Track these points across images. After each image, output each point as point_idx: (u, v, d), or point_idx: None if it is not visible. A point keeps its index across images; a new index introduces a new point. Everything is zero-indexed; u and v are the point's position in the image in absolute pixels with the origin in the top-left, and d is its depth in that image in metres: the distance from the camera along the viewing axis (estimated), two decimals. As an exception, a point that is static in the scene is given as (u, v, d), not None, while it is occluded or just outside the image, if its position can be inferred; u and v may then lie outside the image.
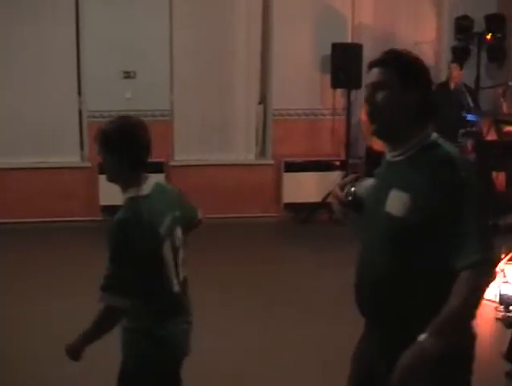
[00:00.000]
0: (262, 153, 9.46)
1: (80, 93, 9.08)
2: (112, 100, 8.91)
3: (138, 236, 2.95)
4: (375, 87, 2.54)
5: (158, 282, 3.05)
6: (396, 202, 2.54)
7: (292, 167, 9.15)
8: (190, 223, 3.38)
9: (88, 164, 9.05)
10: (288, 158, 9.16)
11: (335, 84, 8.82)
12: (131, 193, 3.07)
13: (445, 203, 2.44)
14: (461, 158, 2.55)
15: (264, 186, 9.22)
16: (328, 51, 8.73)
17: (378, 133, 2.62)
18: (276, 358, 5.18)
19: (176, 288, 3.10)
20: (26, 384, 4.92)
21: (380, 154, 2.83)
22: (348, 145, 8.99)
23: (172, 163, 9.06)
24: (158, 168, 8.80)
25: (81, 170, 9.09)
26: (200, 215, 3.47)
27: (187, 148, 9.15)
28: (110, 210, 8.84)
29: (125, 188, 3.09)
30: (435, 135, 2.59)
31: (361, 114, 8.67)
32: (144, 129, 3.12)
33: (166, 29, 8.89)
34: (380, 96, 2.52)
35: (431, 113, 2.58)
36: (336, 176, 8.89)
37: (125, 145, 3.02)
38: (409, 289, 2.55)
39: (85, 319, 3.04)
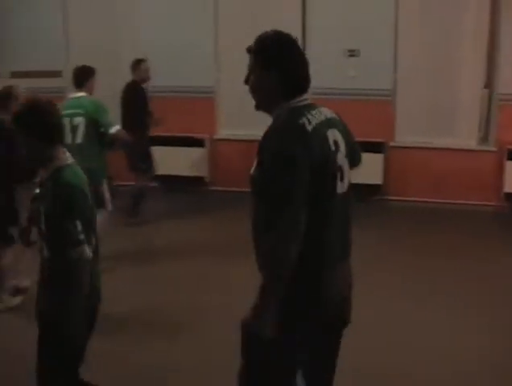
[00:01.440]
0: (484, 139, 9.12)
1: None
2: (336, 78, 9.02)
3: (86, 196, 3.41)
4: (248, 71, 2.99)
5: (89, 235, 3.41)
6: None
7: (516, 156, 8.70)
8: None
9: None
10: (513, 146, 8.76)
11: None
12: (58, 163, 3.39)
13: None
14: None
15: (484, 174, 8.87)
16: None
17: (257, 107, 3.04)
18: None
19: (93, 241, 3.47)
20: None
21: None
22: None
23: (392, 144, 9.01)
24: (378, 148, 8.83)
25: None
26: None
27: (407, 129, 9.04)
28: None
29: (50, 161, 3.37)
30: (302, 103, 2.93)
31: None
32: (52, 105, 3.42)
33: (391, 8, 8.79)
34: (251, 78, 2.98)
35: (296, 87, 2.96)
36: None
37: (42, 123, 3.33)
38: None
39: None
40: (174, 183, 9.46)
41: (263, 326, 2.77)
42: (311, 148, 2.76)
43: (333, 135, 2.93)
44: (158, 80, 9.04)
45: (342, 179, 2.93)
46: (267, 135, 2.85)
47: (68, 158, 3.45)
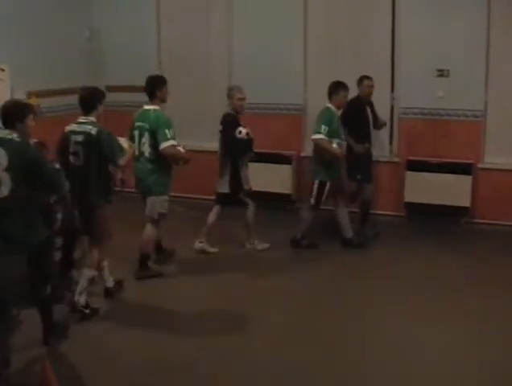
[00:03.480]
0: None
1: (392, 90, 9.22)
2: (424, 97, 8.94)
3: None
4: None
5: None
6: None
7: None
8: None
9: (396, 159, 9.24)
10: None
11: None
12: None
13: None
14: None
15: None
16: None
17: None
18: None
19: None
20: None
21: None
22: None
23: (481, 166, 8.84)
24: (466, 170, 8.68)
25: (389, 165, 9.27)
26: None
27: (497, 151, 8.82)
28: (414, 207, 9.00)
29: None
30: None
31: None
32: None
33: (483, 28, 8.58)
34: None
35: None
36: None
37: None
38: None
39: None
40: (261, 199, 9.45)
41: None
42: None
43: None
44: (248, 96, 9.16)
45: None
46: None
47: None
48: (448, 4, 8.72)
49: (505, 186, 8.70)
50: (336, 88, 7.85)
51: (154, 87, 7.17)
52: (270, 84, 9.52)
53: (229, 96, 7.81)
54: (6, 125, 5.07)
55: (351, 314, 6.18)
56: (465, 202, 8.77)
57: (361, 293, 6.67)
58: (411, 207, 9.07)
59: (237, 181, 7.76)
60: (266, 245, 8.08)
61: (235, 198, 7.82)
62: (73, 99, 8.92)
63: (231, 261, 7.73)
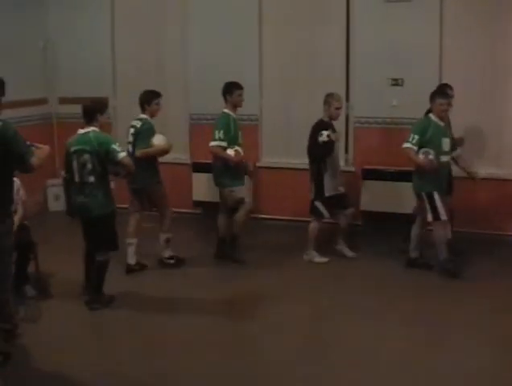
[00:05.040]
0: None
1: (347, 99, 9.25)
2: (378, 106, 9.01)
3: None
4: None
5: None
6: None
7: None
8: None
9: (352, 168, 9.31)
10: None
11: None
12: None
13: None
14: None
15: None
16: None
17: None
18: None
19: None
20: None
21: None
22: None
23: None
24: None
25: (345, 174, 9.25)
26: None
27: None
28: (370, 216, 8.95)
29: None
30: None
31: None
32: None
33: (436, 36, 8.76)
34: None
35: None
36: None
37: None
38: None
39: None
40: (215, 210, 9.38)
41: None
42: None
43: None
44: (204, 108, 9.15)
45: None
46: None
47: None
48: (401, 14, 8.84)
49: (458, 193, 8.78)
50: (433, 95, 7.51)
51: (225, 92, 7.91)
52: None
53: (326, 102, 7.84)
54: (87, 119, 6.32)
55: (322, 325, 6.28)
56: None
57: (321, 304, 6.74)
58: (367, 215, 9.10)
59: (318, 186, 7.78)
60: (324, 259, 7.94)
61: (312, 204, 7.86)
62: (26, 111, 8.92)
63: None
